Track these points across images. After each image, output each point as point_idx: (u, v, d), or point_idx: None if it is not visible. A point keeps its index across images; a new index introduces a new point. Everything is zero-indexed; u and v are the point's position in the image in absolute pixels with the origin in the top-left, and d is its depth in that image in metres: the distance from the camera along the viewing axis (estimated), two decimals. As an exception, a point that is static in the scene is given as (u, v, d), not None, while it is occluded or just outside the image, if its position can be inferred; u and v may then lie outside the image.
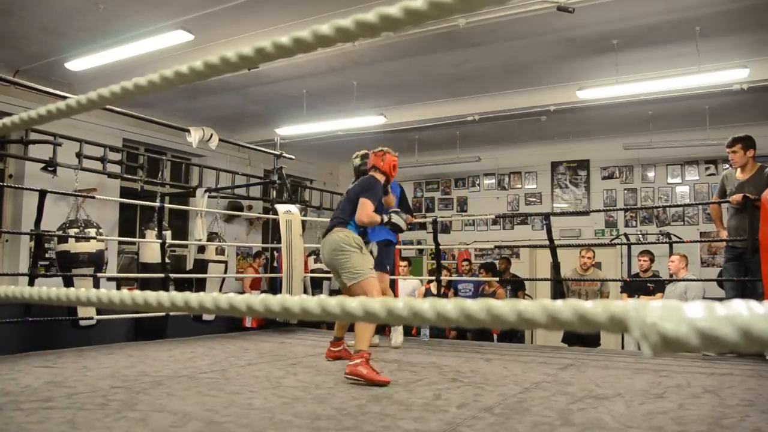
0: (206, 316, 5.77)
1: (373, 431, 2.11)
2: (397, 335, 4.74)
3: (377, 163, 3.86)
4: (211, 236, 6.88)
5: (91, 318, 4.75)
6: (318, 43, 0.70)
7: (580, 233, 9.16)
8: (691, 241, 7.68)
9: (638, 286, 5.99)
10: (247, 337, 5.36)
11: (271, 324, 6.16)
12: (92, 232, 5.12)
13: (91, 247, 5.10)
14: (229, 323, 6.31)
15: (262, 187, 9.19)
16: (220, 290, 6.51)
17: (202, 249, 6.70)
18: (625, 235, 8.53)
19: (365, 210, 3.51)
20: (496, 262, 8.44)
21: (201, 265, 6.61)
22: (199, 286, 6.43)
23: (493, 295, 6.76)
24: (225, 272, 6.81)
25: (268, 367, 3.53)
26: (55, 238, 5.13)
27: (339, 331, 3.99)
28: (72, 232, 5.03)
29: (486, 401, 2.61)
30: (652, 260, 6.12)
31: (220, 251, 6.69)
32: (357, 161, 4.44)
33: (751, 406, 2.53)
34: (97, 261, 5.18)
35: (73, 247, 5.02)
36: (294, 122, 7.81)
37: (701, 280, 5.74)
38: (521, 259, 9.62)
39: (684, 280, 5.44)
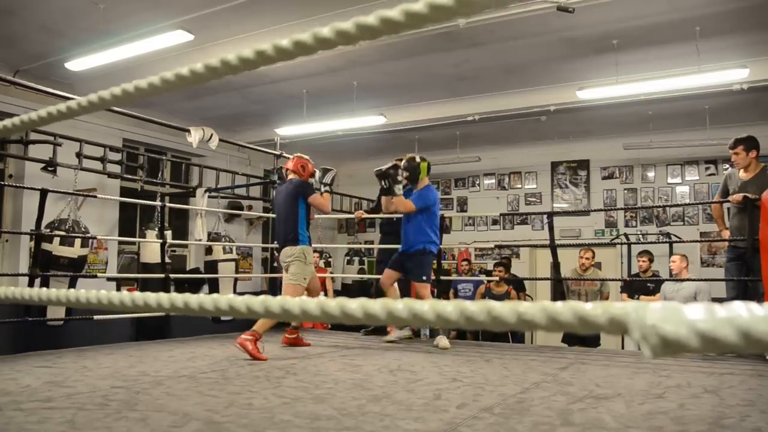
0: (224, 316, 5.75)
1: (373, 431, 2.12)
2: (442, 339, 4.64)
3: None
4: (216, 237, 6.86)
5: (60, 319, 4.76)
6: (318, 45, 0.70)
7: (580, 233, 9.16)
8: (691, 241, 7.69)
9: (638, 286, 5.98)
10: (247, 337, 5.35)
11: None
12: (78, 242, 5.12)
13: (73, 252, 5.11)
14: (249, 322, 6.24)
15: (262, 187, 9.19)
16: (234, 290, 6.47)
17: (209, 251, 6.67)
18: (625, 235, 8.53)
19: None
20: (502, 261, 8.41)
21: (211, 267, 6.58)
22: (212, 287, 6.39)
23: (505, 296, 6.61)
24: (236, 270, 6.79)
25: (268, 367, 3.53)
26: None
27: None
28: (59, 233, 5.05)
29: (486, 401, 2.61)
30: (651, 260, 6.12)
31: (228, 250, 6.68)
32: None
33: (751, 406, 2.53)
34: (77, 266, 5.18)
35: (56, 249, 5.01)
36: (294, 122, 7.81)
37: (701, 280, 5.74)
38: (521, 259, 9.62)
39: (684, 280, 5.43)
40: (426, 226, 4.67)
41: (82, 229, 5.33)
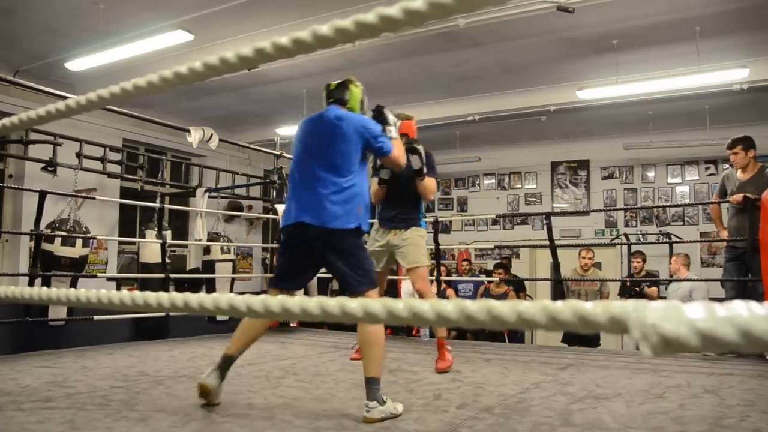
0: (220, 316, 5.75)
1: (373, 431, 2.12)
2: None
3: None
4: (214, 237, 6.86)
5: (62, 320, 4.77)
6: (318, 43, 0.70)
7: (580, 233, 9.16)
8: (690, 241, 7.69)
9: (636, 290, 5.98)
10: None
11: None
12: (79, 242, 5.13)
13: (74, 252, 5.10)
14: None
15: (262, 187, 9.19)
16: (231, 290, 6.48)
17: (207, 251, 6.66)
18: (625, 235, 8.53)
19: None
20: (502, 262, 8.41)
21: (209, 267, 6.58)
22: (209, 287, 6.39)
23: (503, 297, 6.61)
24: (234, 271, 6.78)
25: (268, 367, 3.53)
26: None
27: None
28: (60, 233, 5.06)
29: (486, 401, 2.61)
30: (644, 260, 6.12)
31: (226, 250, 6.68)
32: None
33: (751, 406, 2.53)
34: (78, 266, 5.19)
35: (57, 249, 5.01)
36: (294, 122, 7.79)
37: (701, 280, 5.74)
38: (521, 259, 9.62)
39: (683, 280, 5.43)
40: None
41: (83, 229, 5.32)
